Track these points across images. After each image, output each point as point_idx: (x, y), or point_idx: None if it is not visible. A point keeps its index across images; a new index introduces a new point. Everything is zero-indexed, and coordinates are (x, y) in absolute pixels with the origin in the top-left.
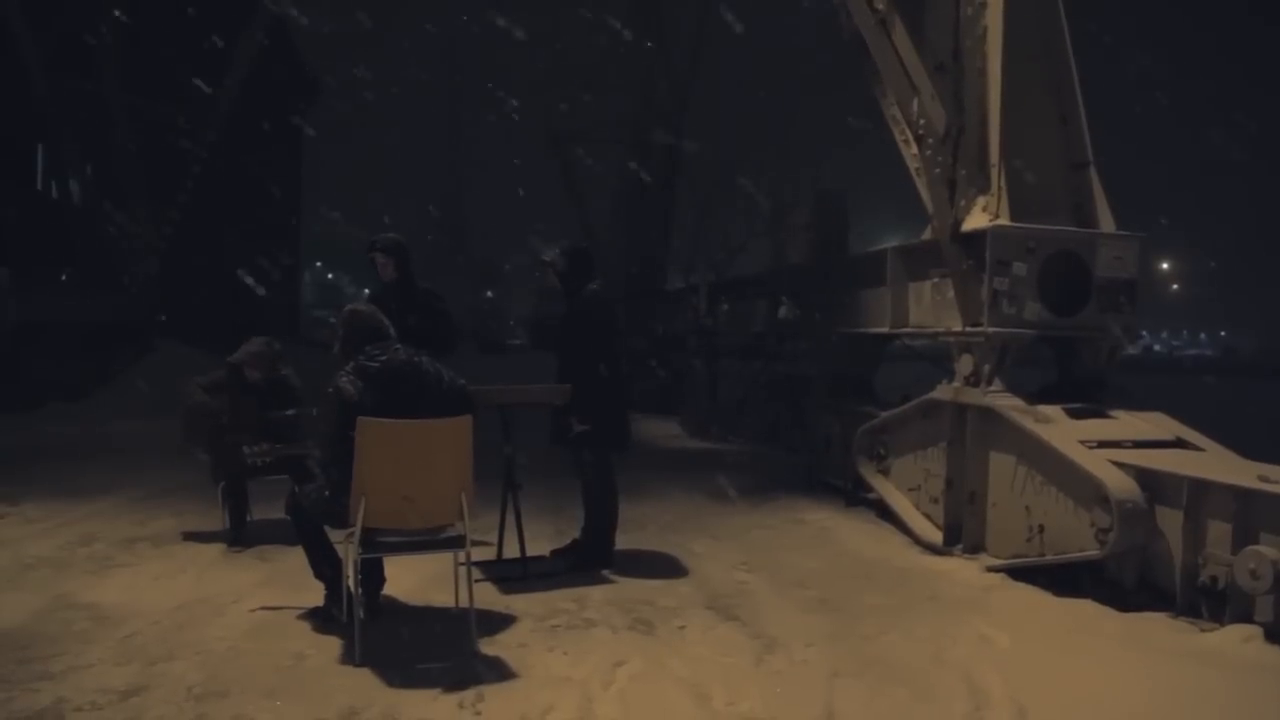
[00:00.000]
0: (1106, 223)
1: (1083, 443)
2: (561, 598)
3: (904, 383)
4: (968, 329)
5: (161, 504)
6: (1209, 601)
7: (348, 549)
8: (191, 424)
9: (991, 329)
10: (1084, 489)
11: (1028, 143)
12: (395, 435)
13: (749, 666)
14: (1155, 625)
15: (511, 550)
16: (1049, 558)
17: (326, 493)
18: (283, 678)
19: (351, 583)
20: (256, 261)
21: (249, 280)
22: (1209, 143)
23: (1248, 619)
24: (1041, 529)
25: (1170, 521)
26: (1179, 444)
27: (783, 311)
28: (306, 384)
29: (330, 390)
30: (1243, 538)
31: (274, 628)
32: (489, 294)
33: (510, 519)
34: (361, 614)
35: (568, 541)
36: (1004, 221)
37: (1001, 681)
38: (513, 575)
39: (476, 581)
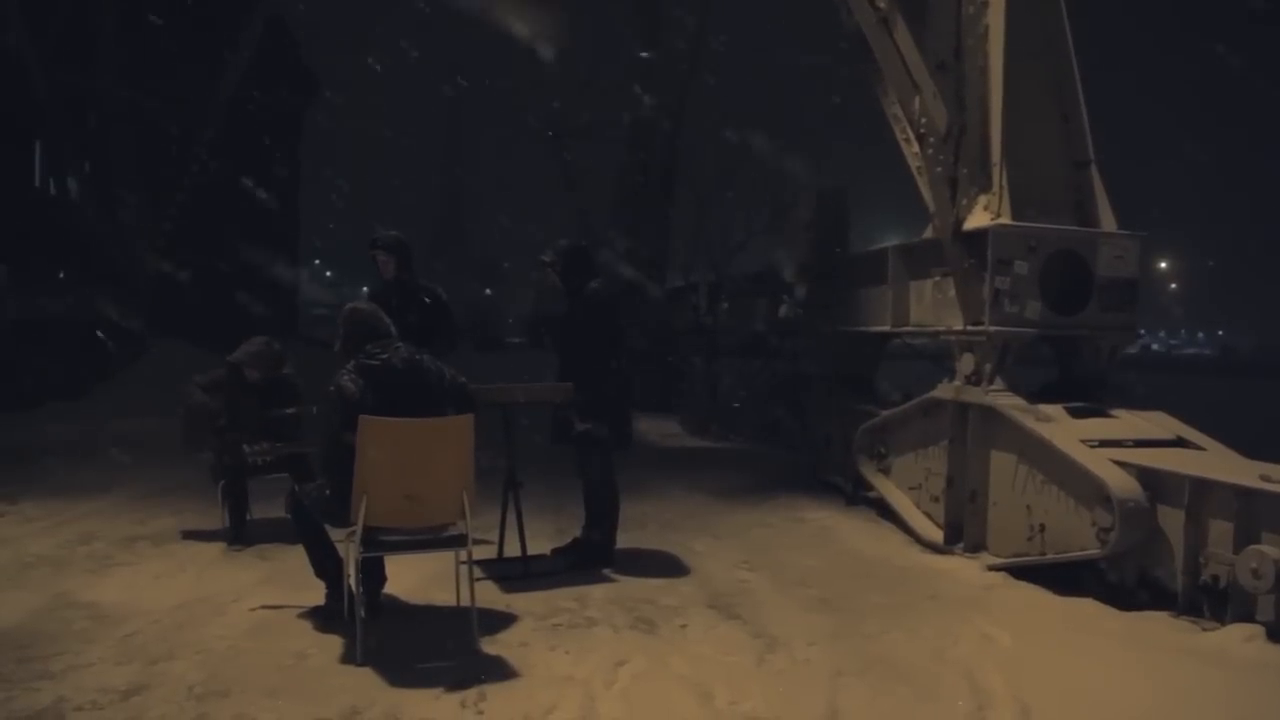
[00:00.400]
0: (1108, 221)
1: (1084, 442)
2: (563, 596)
3: (904, 381)
4: (969, 328)
5: (161, 502)
6: (1211, 601)
7: (349, 548)
8: (191, 425)
9: (993, 328)
10: (1085, 488)
11: (1029, 141)
12: (396, 434)
13: (751, 665)
14: (1157, 625)
15: (512, 549)
16: (1050, 557)
17: (327, 491)
18: (284, 677)
19: (353, 581)
20: (255, 258)
21: (247, 277)
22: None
23: (1249, 618)
24: (1042, 528)
25: (1172, 521)
26: (1180, 443)
27: (784, 310)
28: (305, 382)
29: (331, 389)
30: (1245, 537)
31: (275, 627)
32: (487, 291)
33: (511, 517)
34: (363, 613)
35: (568, 540)
36: (1005, 220)
37: (1004, 681)
38: (514, 574)
39: (477, 580)
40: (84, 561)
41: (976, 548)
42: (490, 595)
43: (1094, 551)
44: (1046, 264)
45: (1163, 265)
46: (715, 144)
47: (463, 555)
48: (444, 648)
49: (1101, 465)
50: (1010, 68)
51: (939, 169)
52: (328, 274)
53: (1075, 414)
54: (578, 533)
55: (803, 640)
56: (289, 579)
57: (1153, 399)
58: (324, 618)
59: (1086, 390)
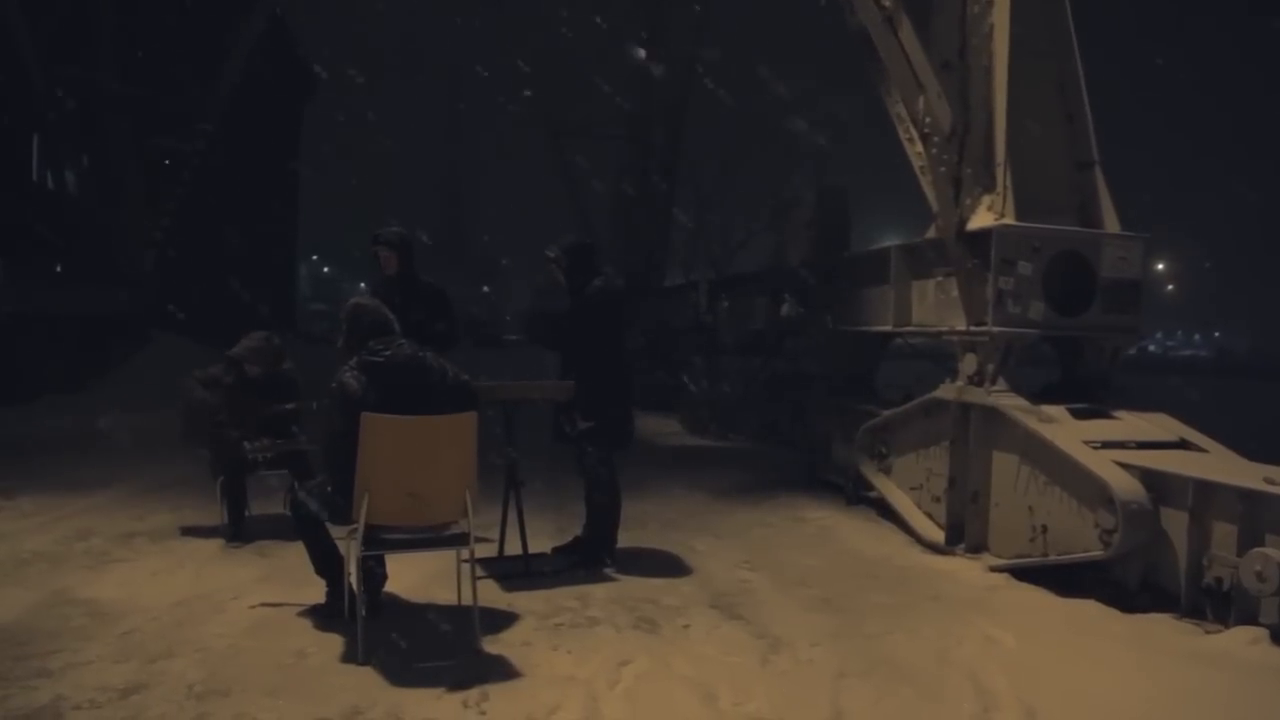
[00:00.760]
0: (1111, 223)
1: (1087, 443)
2: (564, 596)
3: (905, 381)
4: (972, 328)
5: (159, 498)
6: (1214, 603)
7: (350, 546)
8: (191, 421)
9: (996, 328)
10: (1088, 489)
11: (1033, 142)
12: (399, 431)
13: (755, 666)
14: (1160, 627)
15: (513, 547)
16: (1052, 558)
17: (328, 489)
18: (284, 676)
19: (354, 580)
20: (253, 254)
21: (245, 273)
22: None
23: (1253, 621)
24: (1045, 529)
25: (1175, 523)
26: (1183, 445)
27: (785, 309)
28: (303, 378)
29: (334, 385)
30: (1248, 539)
31: (274, 625)
32: (485, 289)
33: (512, 516)
34: (363, 611)
35: (570, 539)
36: (1009, 221)
37: (1008, 682)
38: (515, 573)
39: (479, 579)
40: (82, 557)
41: (978, 548)
42: (491, 594)
43: (1097, 553)
44: (1050, 265)
45: (1160, 266)
46: (717, 141)
47: (464, 554)
48: (446, 647)
49: (1104, 467)
50: (1015, 67)
51: (943, 169)
52: (325, 270)
53: (1078, 415)
54: (579, 531)
55: (805, 641)
56: (288, 576)
57: (1150, 400)
58: (324, 616)
59: (1089, 391)
